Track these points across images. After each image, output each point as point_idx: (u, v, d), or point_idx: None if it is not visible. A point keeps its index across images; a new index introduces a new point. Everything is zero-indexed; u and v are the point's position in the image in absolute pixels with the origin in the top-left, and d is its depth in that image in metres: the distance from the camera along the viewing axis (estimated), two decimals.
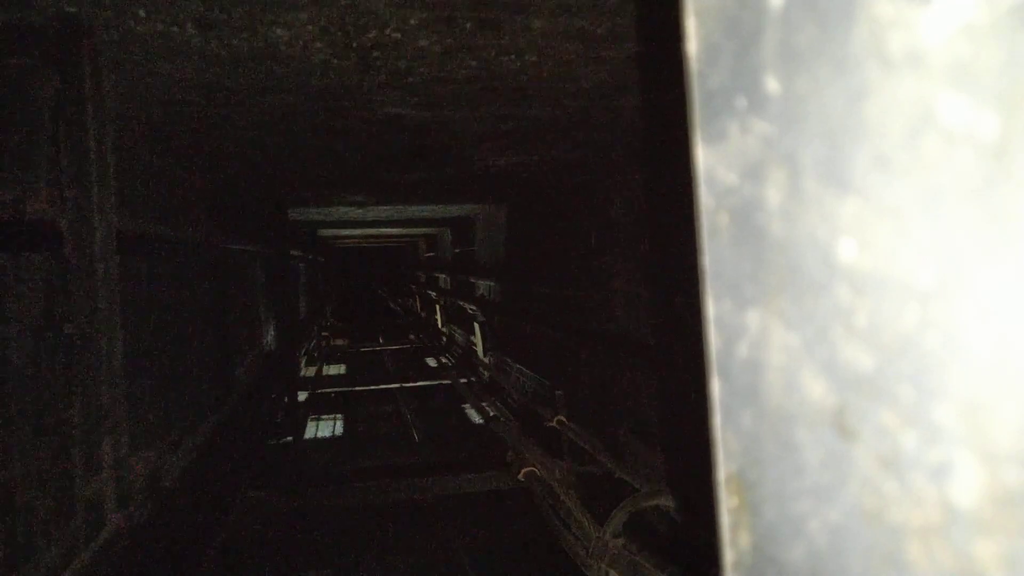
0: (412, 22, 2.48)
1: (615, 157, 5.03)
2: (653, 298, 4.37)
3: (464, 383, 9.43)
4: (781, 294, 0.33)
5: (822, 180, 0.31)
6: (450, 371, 10.81)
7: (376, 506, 5.39)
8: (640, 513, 3.02)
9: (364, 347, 15.64)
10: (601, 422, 5.18)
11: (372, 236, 17.24)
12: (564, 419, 4.62)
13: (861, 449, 0.30)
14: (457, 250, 13.35)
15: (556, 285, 6.79)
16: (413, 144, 4.60)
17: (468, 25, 2.53)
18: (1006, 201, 0.26)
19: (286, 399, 8.17)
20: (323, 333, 15.93)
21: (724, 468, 0.37)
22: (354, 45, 2.67)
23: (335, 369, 12.99)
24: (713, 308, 0.37)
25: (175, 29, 2.42)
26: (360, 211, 9.57)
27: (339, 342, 16.60)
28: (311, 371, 12.03)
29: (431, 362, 13.18)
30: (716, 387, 0.37)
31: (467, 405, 9.06)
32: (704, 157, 0.37)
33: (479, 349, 10.67)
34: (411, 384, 10.32)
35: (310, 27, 2.47)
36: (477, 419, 8.39)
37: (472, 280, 11.39)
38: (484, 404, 8.12)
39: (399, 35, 2.59)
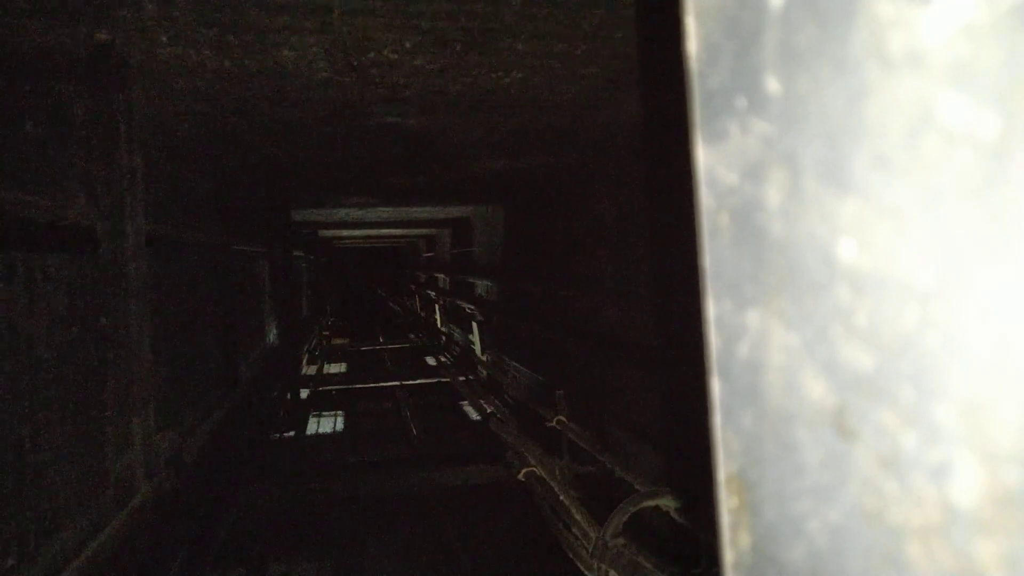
0: (407, 45, 2.68)
1: (602, 161, 5.19)
2: (653, 298, 4.38)
3: (462, 381, 9.44)
4: (781, 294, 0.33)
5: (822, 180, 0.31)
6: (449, 369, 10.81)
7: (375, 497, 5.55)
8: (640, 513, 3.02)
9: (364, 346, 15.65)
10: (591, 419, 5.21)
11: (372, 237, 17.24)
12: (564, 419, 4.62)
13: (861, 449, 0.30)
14: (456, 250, 13.36)
15: (550, 284, 6.82)
16: (411, 150, 4.75)
17: (458, 47, 2.74)
18: (1006, 201, 0.26)
19: (289, 395, 8.29)
20: (324, 332, 15.93)
21: (724, 468, 0.37)
22: (354, 64, 2.87)
23: (336, 367, 13.01)
24: (713, 308, 0.37)
25: (192, 52, 2.65)
26: (361, 212, 9.62)
27: (340, 341, 16.61)
28: (312, 369, 12.06)
29: (430, 361, 13.19)
30: (716, 387, 0.37)
31: (465, 402, 9.10)
32: (704, 157, 0.37)
33: (477, 348, 10.67)
34: (410, 382, 10.33)
35: (315, 49, 2.68)
36: (475, 416, 8.42)
37: (470, 280, 11.40)
38: (482, 401, 8.15)
39: (396, 56, 2.80)
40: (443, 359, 12.49)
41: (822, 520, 0.32)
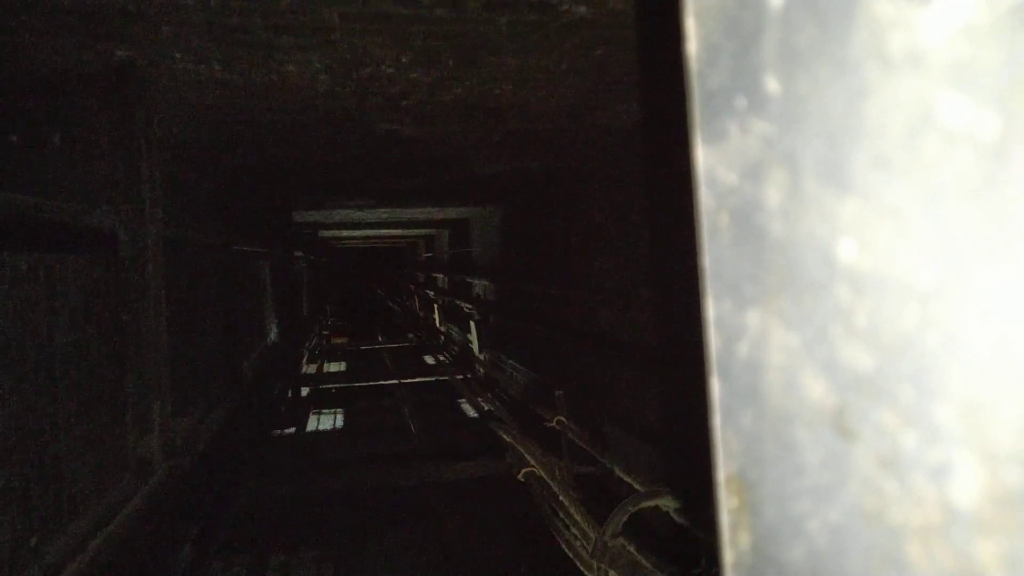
0: (403, 60, 2.91)
1: (600, 162, 5.24)
2: (652, 298, 4.38)
3: (460, 379, 9.46)
4: (781, 294, 0.33)
5: (822, 180, 0.31)
6: (447, 368, 10.82)
7: (374, 491, 5.62)
8: (640, 513, 3.02)
9: (364, 345, 15.65)
10: (590, 419, 5.21)
11: (372, 237, 17.25)
12: (564, 419, 4.62)
13: (861, 449, 0.30)
14: (454, 251, 13.36)
15: (548, 284, 6.83)
16: (409, 154, 4.92)
17: (451, 62, 2.96)
18: (1006, 201, 0.26)
19: (289, 393, 8.33)
20: (324, 331, 15.94)
21: (724, 468, 0.37)
22: (354, 76, 3.09)
23: (336, 366, 13.03)
24: (713, 308, 0.37)
25: (203, 67, 2.87)
26: (360, 213, 9.66)
27: (339, 340, 16.62)
28: (312, 368, 12.09)
29: (429, 359, 13.21)
30: (716, 387, 0.37)
31: (463, 400, 9.12)
32: (704, 157, 0.37)
33: (475, 347, 10.68)
34: (409, 380, 10.35)
35: (316, 64, 2.90)
36: (472, 413, 8.44)
37: (468, 280, 11.41)
38: (479, 399, 8.18)
39: (392, 70, 3.02)
40: (442, 358, 12.50)
41: (822, 520, 0.32)
